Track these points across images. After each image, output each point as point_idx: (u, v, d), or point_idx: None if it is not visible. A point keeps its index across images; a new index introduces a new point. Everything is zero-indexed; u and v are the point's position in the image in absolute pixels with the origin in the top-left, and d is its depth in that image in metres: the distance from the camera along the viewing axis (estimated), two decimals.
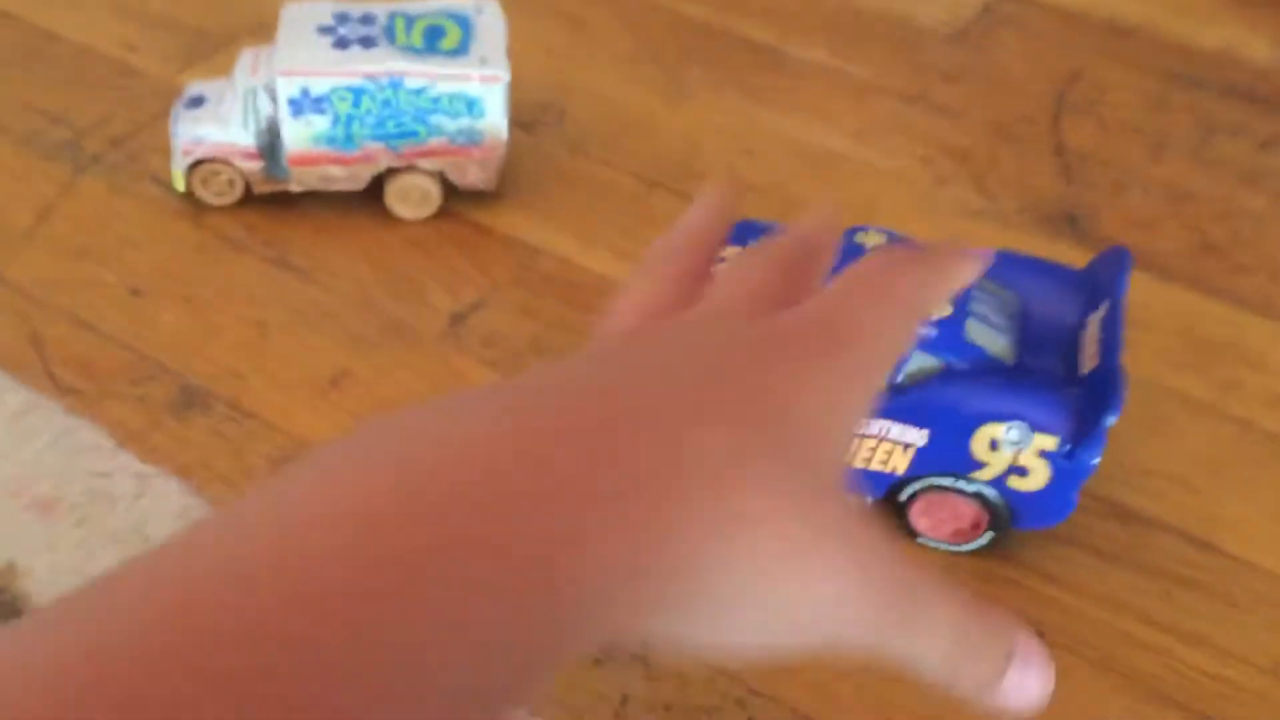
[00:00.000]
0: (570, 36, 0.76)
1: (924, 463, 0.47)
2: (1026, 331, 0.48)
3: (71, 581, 0.46)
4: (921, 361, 0.46)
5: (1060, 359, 0.48)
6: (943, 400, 0.46)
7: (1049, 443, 0.45)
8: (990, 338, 0.47)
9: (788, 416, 0.24)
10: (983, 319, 0.47)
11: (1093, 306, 0.49)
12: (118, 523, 0.48)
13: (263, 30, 0.75)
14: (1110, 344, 0.46)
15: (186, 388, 0.55)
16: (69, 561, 0.47)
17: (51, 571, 0.47)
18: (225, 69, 0.65)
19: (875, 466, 0.47)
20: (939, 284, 0.29)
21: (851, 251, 0.45)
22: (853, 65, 0.75)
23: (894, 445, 0.47)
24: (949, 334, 0.46)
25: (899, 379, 0.46)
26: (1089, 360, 0.47)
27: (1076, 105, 0.72)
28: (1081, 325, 0.48)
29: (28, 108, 0.69)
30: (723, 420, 0.23)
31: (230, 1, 0.78)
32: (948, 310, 0.46)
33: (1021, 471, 0.46)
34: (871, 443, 0.47)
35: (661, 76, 0.73)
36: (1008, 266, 0.50)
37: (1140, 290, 0.60)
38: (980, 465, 0.46)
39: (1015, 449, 0.45)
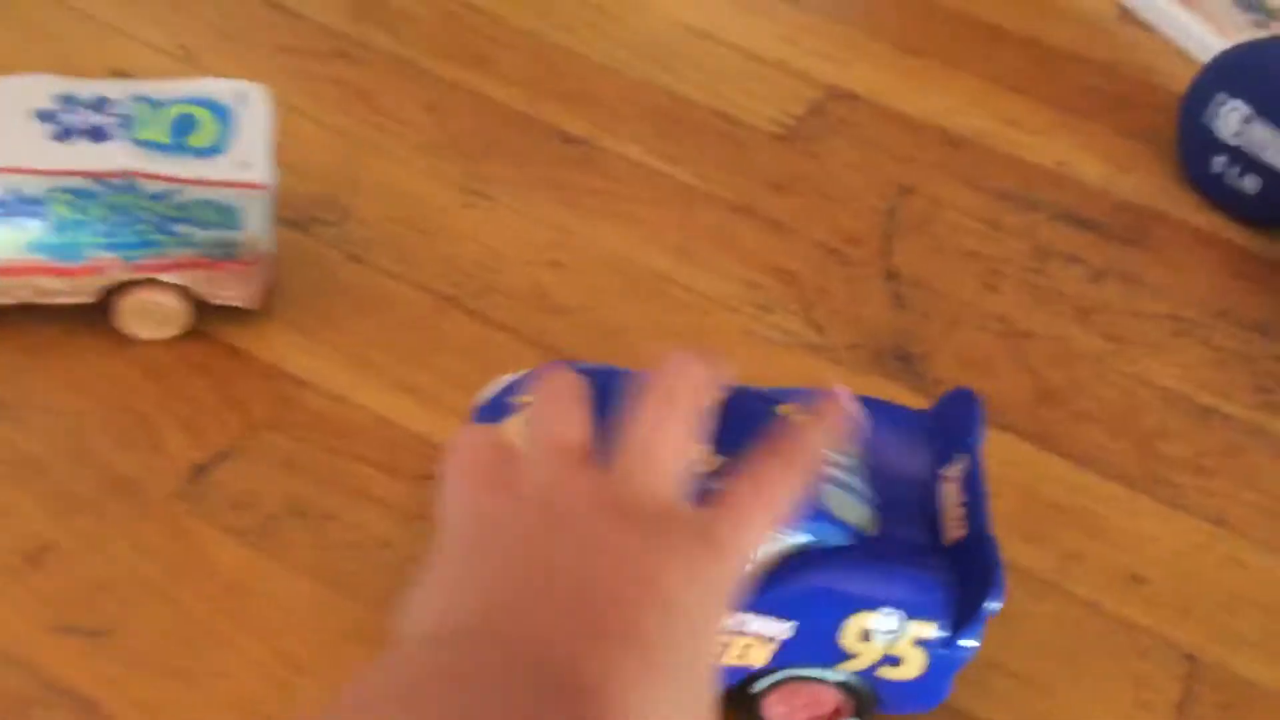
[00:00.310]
0: (360, 116, 0.68)
1: (787, 656, 0.42)
2: (878, 488, 0.43)
3: None
4: (781, 542, 0.40)
5: (921, 523, 0.43)
6: (808, 588, 0.40)
7: (927, 630, 0.41)
8: (851, 507, 0.42)
9: (666, 635, 0.27)
10: (841, 485, 0.42)
11: (944, 458, 0.45)
12: None
13: None
14: (976, 510, 0.43)
15: None
16: None
17: None
18: None
19: (731, 661, 0.42)
20: (819, 464, 0.34)
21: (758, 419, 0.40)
22: (676, 167, 0.69)
23: (753, 639, 0.41)
24: (808, 506, 0.40)
25: (755, 563, 0.40)
26: (954, 526, 0.43)
27: (908, 223, 0.68)
28: (935, 478, 0.44)
29: None
30: (606, 641, 0.26)
31: None
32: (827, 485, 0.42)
33: (894, 661, 0.42)
34: (727, 637, 0.41)
35: (462, 169, 0.66)
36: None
37: None
38: (849, 656, 0.42)
39: (889, 638, 0.41)
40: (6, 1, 0.70)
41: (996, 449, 0.56)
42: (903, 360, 0.60)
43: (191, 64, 0.69)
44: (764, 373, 0.58)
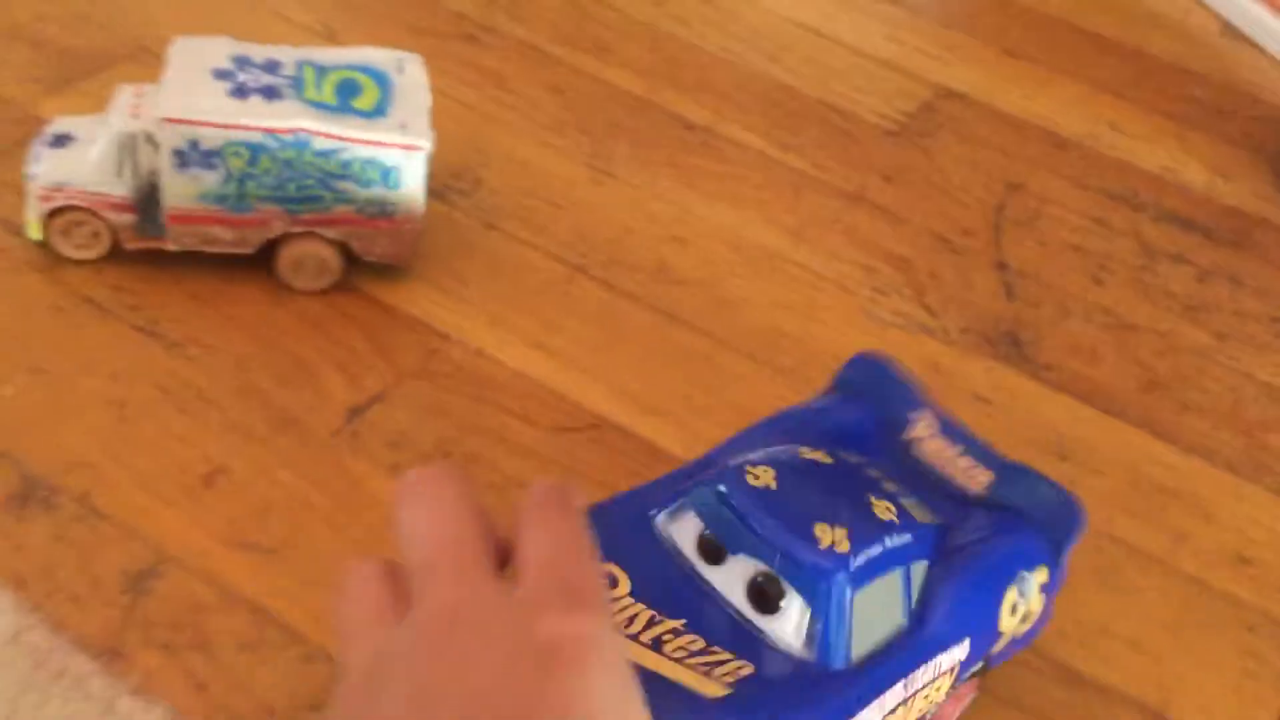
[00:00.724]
0: (489, 95, 0.73)
1: (963, 670, 0.42)
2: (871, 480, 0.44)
3: None
4: (917, 573, 0.41)
5: (937, 489, 0.45)
6: (966, 598, 0.41)
7: (1043, 576, 0.44)
8: (916, 506, 0.43)
9: None
10: (898, 493, 0.43)
11: (899, 423, 0.46)
12: None
13: (142, 57, 0.70)
14: (981, 451, 0.45)
15: (27, 478, 0.49)
16: None
17: None
18: (97, 100, 0.60)
19: (919, 713, 0.42)
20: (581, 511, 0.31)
21: (736, 484, 0.40)
22: (790, 155, 0.73)
23: (944, 677, 0.41)
24: (909, 527, 0.41)
25: (915, 603, 0.41)
26: (971, 475, 0.45)
27: (1017, 219, 0.72)
28: (905, 446, 0.46)
29: None
30: None
31: (106, 18, 0.72)
32: (886, 512, 0.41)
33: (1025, 618, 0.44)
34: (922, 691, 0.41)
35: (587, 148, 0.71)
36: (795, 427, 0.46)
37: (1087, 426, 0.60)
38: (1000, 635, 0.44)
39: (1026, 601, 0.44)
40: None
41: (1103, 433, 0.60)
42: (1013, 345, 0.63)
43: (333, 41, 0.74)
44: (879, 348, 0.62)
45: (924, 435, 0.46)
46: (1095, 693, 0.49)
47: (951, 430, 0.46)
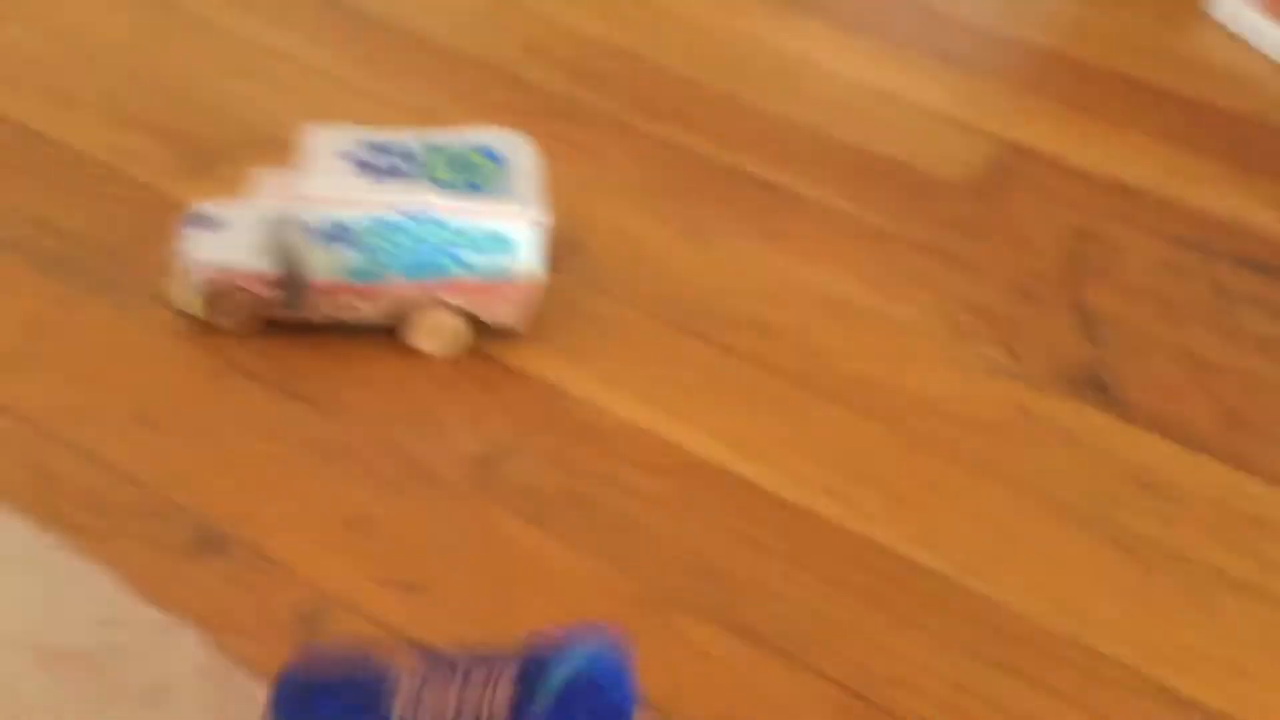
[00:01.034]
0: (583, 166, 0.79)
1: None
2: None
3: None
4: None
5: None
6: None
7: None
8: None
9: None
10: None
11: None
12: (138, 678, 0.48)
13: (265, 145, 0.77)
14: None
15: (200, 527, 0.55)
16: None
17: None
18: (228, 184, 0.67)
19: None
20: None
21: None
22: (869, 212, 0.79)
23: None
24: None
25: None
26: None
27: (1092, 266, 0.77)
28: None
29: (14, 213, 0.70)
30: None
31: (228, 112, 0.79)
32: None
33: None
34: None
35: (679, 214, 0.77)
36: None
37: (1173, 461, 0.64)
38: None
39: None
40: (257, 64, 0.83)
41: (1189, 467, 0.64)
42: (1097, 387, 0.68)
43: (434, 121, 0.81)
44: (966, 393, 0.67)
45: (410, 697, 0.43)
46: (1197, 712, 0.52)
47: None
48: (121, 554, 0.53)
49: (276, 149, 0.76)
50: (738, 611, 0.55)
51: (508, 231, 0.62)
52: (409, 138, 0.64)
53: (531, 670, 0.42)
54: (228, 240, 0.63)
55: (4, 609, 0.50)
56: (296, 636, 0.51)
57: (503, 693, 0.42)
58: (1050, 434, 0.65)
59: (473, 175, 0.63)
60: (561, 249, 0.73)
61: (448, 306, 0.63)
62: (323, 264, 0.62)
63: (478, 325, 0.65)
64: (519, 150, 0.65)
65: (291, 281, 0.62)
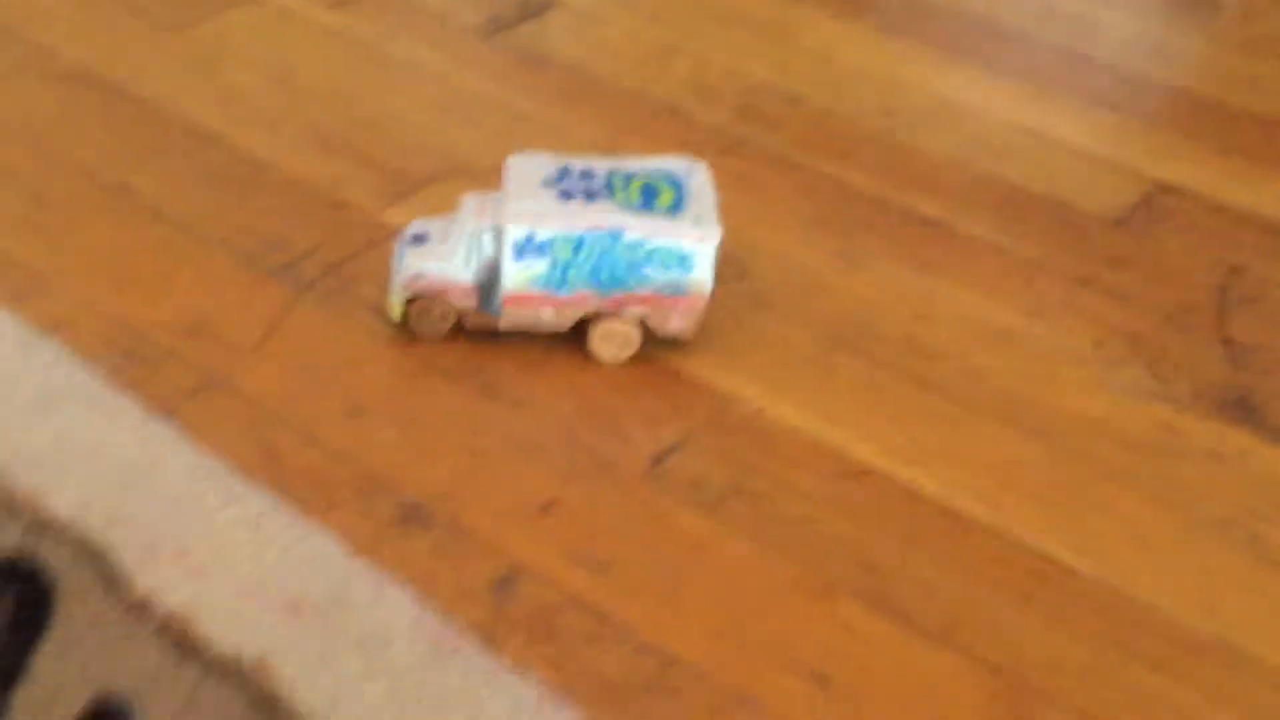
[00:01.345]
0: (748, 197, 0.85)
1: None
2: None
3: (319, 681, 0.52)
4: None
5: None
6: None
7: None
8: None
9: None
10: None
11: None
12: (359, 628, 0.55)
13: (458, 174, 0.85)
14: None
15: (404, 505, 0.62)
16: (316, 662, 0.53)
17: (301, 670, 0.53)
18: (426, 208, 0.74)
19: None
20: None
21: None
22: (1021, 245, 0.83)
23: None
24: None
25: None
26: None
27: (1240, 298, 0.79)
28: None
29: (247, 230, 0.79)
30: None
31: (424, 146, 0.88)
32: None
33: None
34: None
35: (836, 242, 0.82)
36: None
37: None
38: None
39: None
40: (455, 102, 0.92)
41: None
42: (1244, 408, 0.70)
43: (612, 153, 0.88)
44: (1114, 413, 0.70)
45: None
46: None
47: None
48: (337, 523, 0.60)
49: (473, 176, 0.84)
50: (893, 599, 0.59)
51: (685, 249, 0.68)
52: (599, 164, 0.71)
53: None
54: (433, 253, 0.70)
55: (249, 561, 0.57)
56: (492, 601, 0.57)
57: None
58: (1195, 451, 0.68)
59: (655, 198, 0.69)
60: (727, 269, 0.79)
61: (624, 317, 0.70)
62: (517, 276, 0.69)
63: (647, 333, 0.71)
64: (697, 174, 0.71)
65: (486, 290, 0.69)
